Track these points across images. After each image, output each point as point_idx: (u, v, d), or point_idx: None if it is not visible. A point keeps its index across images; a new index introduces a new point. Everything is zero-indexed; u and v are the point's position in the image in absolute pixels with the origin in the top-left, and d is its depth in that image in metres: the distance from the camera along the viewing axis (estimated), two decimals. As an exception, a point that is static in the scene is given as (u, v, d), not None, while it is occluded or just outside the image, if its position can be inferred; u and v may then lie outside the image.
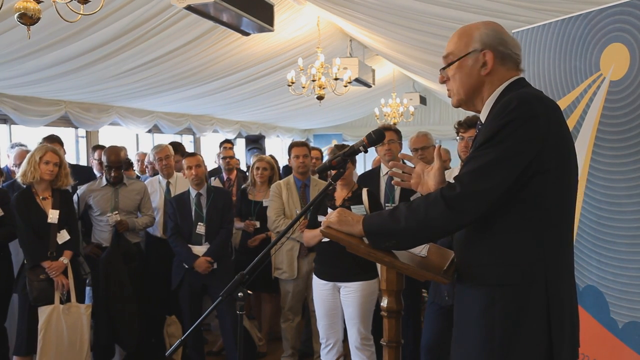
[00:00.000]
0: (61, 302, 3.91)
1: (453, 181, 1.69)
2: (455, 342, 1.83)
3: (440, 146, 2.19)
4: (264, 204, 4.79)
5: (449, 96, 1.88)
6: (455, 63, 1.80)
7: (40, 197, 3.98)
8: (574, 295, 1.80)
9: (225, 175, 5.99)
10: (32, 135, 6.79)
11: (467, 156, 1.77)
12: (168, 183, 4.98)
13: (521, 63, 1.84)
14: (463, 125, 3.31)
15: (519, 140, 1.62)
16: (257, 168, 4.96)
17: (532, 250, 1.67)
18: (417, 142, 4.49)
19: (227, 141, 6.84)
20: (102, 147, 5.48)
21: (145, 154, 6.29)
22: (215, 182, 5.81)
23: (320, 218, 3.67)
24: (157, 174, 5.32)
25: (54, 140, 4.94)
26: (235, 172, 6.09)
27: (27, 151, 4.53)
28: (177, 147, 5.95)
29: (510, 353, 1.66)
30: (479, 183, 1.63)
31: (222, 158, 6.08)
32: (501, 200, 1.65)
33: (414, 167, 1.99)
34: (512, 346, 1.66)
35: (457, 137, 3.38)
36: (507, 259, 1.68)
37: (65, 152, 4.98)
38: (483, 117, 1.82)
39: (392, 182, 2.11)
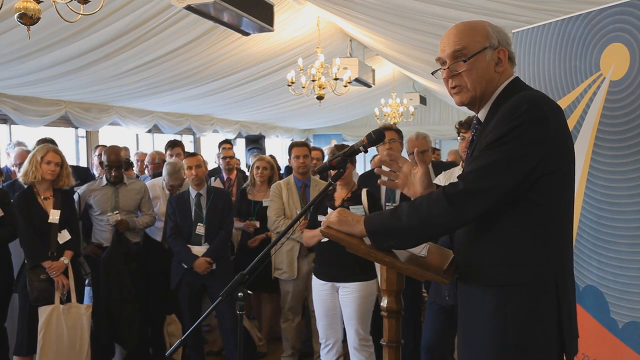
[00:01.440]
0: (61, 302, 3.91)
1: (457, 179, 1.70)
2: (462, 343, 1.83)
3: (422, 152, 2.12)
4: (264, 204, 4.79)
5: (456, 93, 1.82)
6: (473, 58, 1.75)
7: (42, 197, 3.98)
8: (575, 291, 1.82)
9: (225, 175, 5.99)
10: (32, 135, 6.79)
11: (473, 155, 1.76)
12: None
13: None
14: (464, 126, 3.31)
15: (527, 142, 1.62)
16: (257, 167, 4.95)
17: (540, 248, 1.68)
18: (418, 145, 4.48)
19: (226, 141, 6.85)
20: (104, 147, 5.48)
21: (145, 154, 6.30)
22: (215, 182, 5.82)
23: (321, 218, 3.67)
24: (157, 174, 5.32)
25: (48, 142, 4.92)
26: (235, 172, 6.10)
27: (28, 151, 4.53)
28: (177, 144, 5.97)
29: (525, 353, 1.66)
30: (482, 181, 1.63)
31: (222, 158, 6.08)
32: (505, 199, 1.65)
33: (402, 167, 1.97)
34: (527, 346, 1.66)
35: (458, 137, 3.37)
36: (517, 258, 1.68)
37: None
38: (482, 116, 1.82)
39: (378, 181, 2.08)
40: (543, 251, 1.68)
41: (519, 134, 1.62)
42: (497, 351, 1.68)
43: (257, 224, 4.85)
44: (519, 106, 1.65)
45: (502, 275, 1.69)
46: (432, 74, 1.88)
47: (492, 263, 1.71)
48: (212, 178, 5.94)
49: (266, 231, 4.77)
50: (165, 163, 4.97)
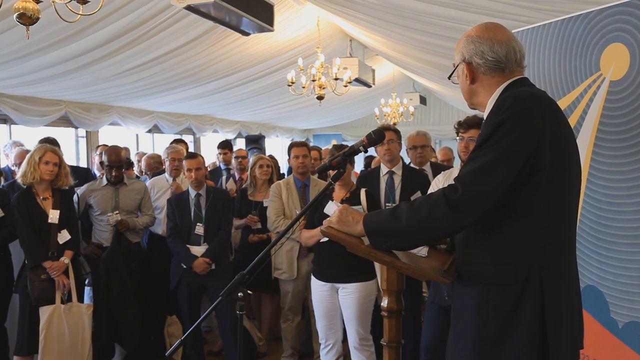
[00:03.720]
0: (62, 302, 3.91)
1: (454, 182, 1.70)
2: (451, 339, 1.84)
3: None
4: (264, 204, 4.79)
5: None
6: (454, 72, 1.90)
7: (41, 197, 3.98)
8: (576, 296, 1.78)
9: (237, 175, 6.04)
10: (32, 135, 6.80)
11: (468, 156, 1.78)
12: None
13: (515, 65, 1.81)
14: (463, 126, 3.31)
15: (515, 138, 1.63)
16: (261, 166, 4.94)
17: (528, 250, 1.67)
18: (417, 140, 4.52)
19: (225, 142, 6.87)
20: (106, 146, 5.49)
21: (145, 154, 6.31)
22: (229, 183, 5.86)
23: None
24: (155, 174, 5.33)
25: (50, 142, 4.92)
26: (247, 172, 6.16)
27: (27, 151, 4.53)
28: (180, 142, 6.01)
29: (502, 351, 1.67)
30: (480, 184, 1.64)
31: (234, 157, 6.15)
32: (502, 199, 1.65)
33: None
34: (504, 344, 1.67)
35: (457, 137, 3.37)
36: (502, 258, 1.69)
37: (62, 154, 4.97)
38: (485, 116, 1.83)
39: None
40: (531, 252, 1.67)
41: (505, 131, 1.64)
42: (476, 347, 1.70)
43: (259, 222, 4.85)
44: (504, 102, 1.69)
45: (488, 274, 1.70)
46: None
47: (482, 262, 1.72)
48: (224, 178, 6.00)
49: (266, 232, 4.77)
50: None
